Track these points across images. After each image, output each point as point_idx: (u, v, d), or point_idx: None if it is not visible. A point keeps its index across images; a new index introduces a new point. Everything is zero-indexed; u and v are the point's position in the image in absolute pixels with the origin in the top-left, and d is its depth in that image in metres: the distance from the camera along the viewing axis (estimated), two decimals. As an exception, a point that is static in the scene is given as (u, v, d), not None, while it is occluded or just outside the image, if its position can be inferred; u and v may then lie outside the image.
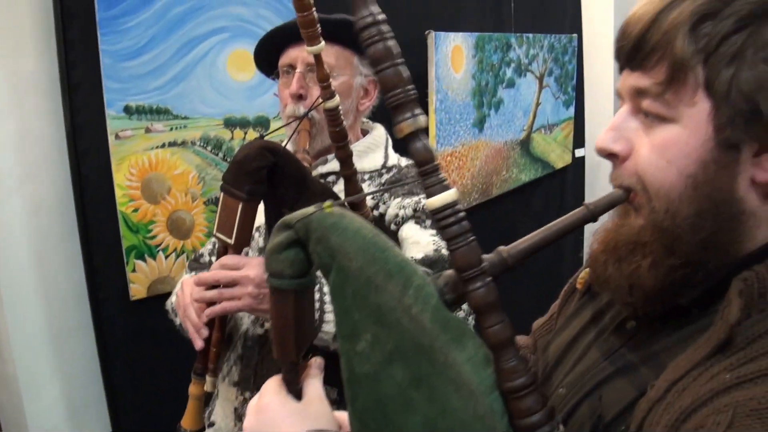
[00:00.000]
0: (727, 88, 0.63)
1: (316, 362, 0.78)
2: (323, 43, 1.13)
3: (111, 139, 1.75)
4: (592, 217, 0.72)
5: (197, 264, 1.51)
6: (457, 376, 0.62)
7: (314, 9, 1.10)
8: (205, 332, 1.25)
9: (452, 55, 2.54)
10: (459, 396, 0.61)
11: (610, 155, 0.73)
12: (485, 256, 0.66)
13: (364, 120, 1.58)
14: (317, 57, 1.16)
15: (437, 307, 0.64)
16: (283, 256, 0.71)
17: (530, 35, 3.20)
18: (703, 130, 0.65)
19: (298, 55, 1.42)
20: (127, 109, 1.77)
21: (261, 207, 1.28)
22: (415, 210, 1.36)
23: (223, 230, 1.23)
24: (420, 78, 2.43)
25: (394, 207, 1.39)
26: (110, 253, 1.81)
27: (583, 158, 4.13)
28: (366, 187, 1.42)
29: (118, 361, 1.87)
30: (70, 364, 1.83)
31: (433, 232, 1.34)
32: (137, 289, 1.87)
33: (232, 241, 1.21)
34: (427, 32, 2.39)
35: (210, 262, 1.46)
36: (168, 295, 1.91)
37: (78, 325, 1.81)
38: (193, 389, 1.31)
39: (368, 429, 0.66)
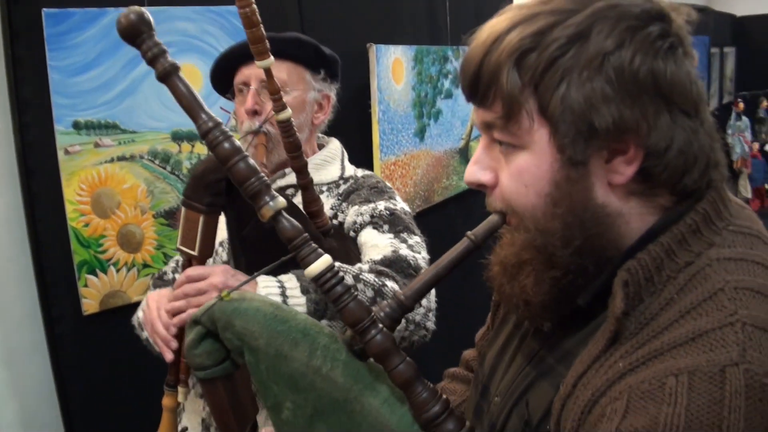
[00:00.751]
0: (560, 111, 0.66)
1: None
2: (272, 58, 1.19)
3: (60, 154, 1.75)
4: (476, 246, 0.78)
5: (161, 282, 1.54)
6: (375, 420, 0.69)
7: (261, 25, 1.16)
8: (174, 344, 1.27)
9: (393, 67, 2.62)
10: None
11: (479, 186, 0.77)
12: (384, 303, 0.74)
13: (320, 135, 1.63)
14: (267, 71, 1.22)
15: (347, 362, 0.71)
16: (199, 350, 0.77)
17: (465, 48, 3.31)
18: (548, 153, 0.69)
19: (251, 72, 1.45)
20: (76, 125, 1.78)
21: (223, 222, 1.32)
22: (372, 216, 1.43)
23: (186, 243, 1.26)
24: (363, 89, 2.50)
25: (352, 215, 1.45)
26: (62, 269, 1.80)
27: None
28: (324, 199, 1.47)
29: (73, 377, 1.85)
30: (25, 382, 1.80)
31: (391, 235, 1.40)
32: (89, 304, 1.87)
33: (195, 253, 1.24)
34: (368, 45, 2.46)
35: (173, 280, 1.48)
36: (120, 309, 1.93)
37: (32, 342, 1.79)
38: (166, 401, 1.33)
39: None
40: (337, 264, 1.22)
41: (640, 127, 0.66)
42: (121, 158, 1.89)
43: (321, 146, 1.61)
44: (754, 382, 0.56)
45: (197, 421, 1.46)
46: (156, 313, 1.30)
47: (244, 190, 0.69)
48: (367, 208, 1.43)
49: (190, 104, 0.71)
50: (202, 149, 2.10)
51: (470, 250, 0.78)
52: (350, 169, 1.58)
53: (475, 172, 0.77)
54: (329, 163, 1.56)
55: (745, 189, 7.10)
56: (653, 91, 0.66)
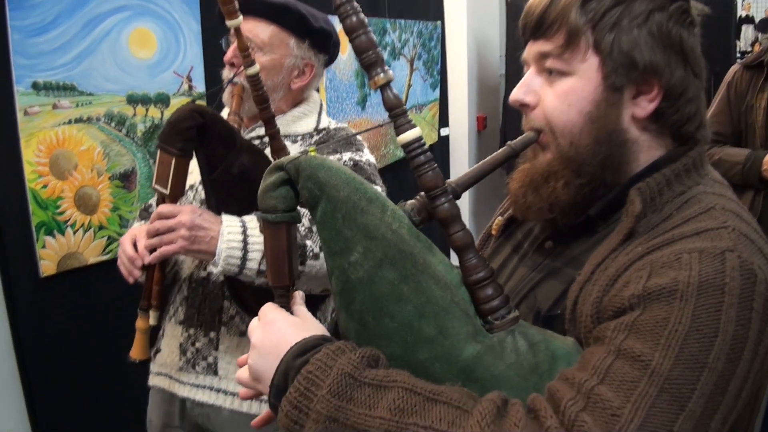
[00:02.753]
0: (611, 47, 0.85)
1: (299, 293, 0.92)
2: (240, 17, 1.30)
3: (20, 115, 1.75)
4: (514, 153, 0.94)
5: (146, 213, 1.65)
6: (435, 273, 0.79)
7: None
8: (137, 273, 1.40)
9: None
10: (438, 287, 0.79)
11: (522, 105, 0.93)
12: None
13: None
14: (237, 29, 1.32)
15: (410, 225, 0.82)
16: (276, 193, 0.84)
17: (402, 21, 3.42)
18: (594, 79, 0.87)
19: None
20: (35, 86, 1.77)
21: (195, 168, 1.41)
22: (354, 161, 1.54)
23: (160, 182, 1.39)
24: (310, 58, 2.56)
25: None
26: (19, 231, 1.80)
27: (447, 137, 4.43)
28: (298, 147, 1.58)
29: (31, 337, 1.86)
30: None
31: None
32: (47, 266, 1.87)
33: (167, 192, 1.37)
34: (316, 15, 2.51)
35: None
36: (77, 270, 1.95)
37: (-11, 303, 1.80)
38: (139, 323, 1.47)
39: (367, 325, 0.80)
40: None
41: (665, 72, 0.85)
42: (79, 120, 1.90)
43: (303, 99, 1.69)
44: (745, 265, 0.74)
45: (176, 346, 1.57)
46: (128, 242, 1.42)
47: (361, 59, 0.79)
48: (333, 158, 1.51)
49: None
50: (155, 113, 2.12)
51: (509, 155, 0.94)
52: (325, 122, 1.67)
53: (522, 93, 0.92)
54: (306, 116, 1.64)
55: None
56: (678, 49, 0.86)
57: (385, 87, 0.79)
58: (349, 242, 0.80)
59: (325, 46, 1.62)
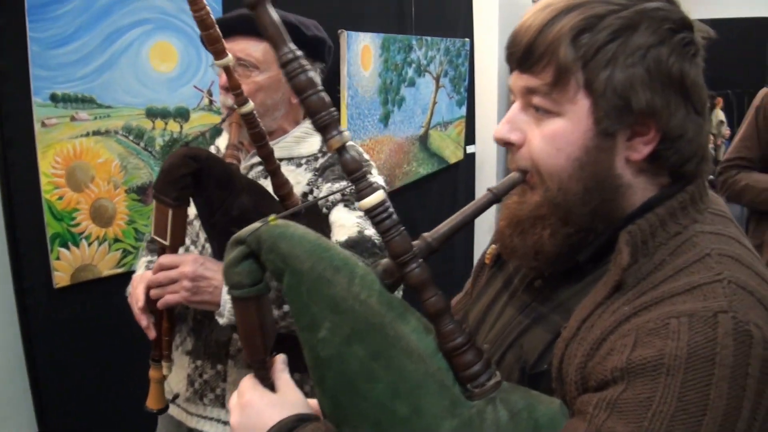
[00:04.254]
0: (604, 87, 0.76)
1: (280, 358, 0.89)
2: (230, 56, 1.25)
3: (37, 126, 1.75)
4: (497, 198, 0.86)
5: (153, 245, 1.59)
6: (407, 345, 0.75)
7: (216, 26, 1.21)
8: (144, 323, 1.37)
9: (362, 54, 2.68)
10: (411, 361, 0.75)
11: (507, 144, 0.85)
12: (414, 243, 0.80)
13: None
14: (227, 69, 1.27)
15: (381, 291, 0.78)
16: (240, 268, 0.81)
17: (429, 38, 3.40)
18: (585, 122, 0.78)
19: (230, 47, 1.46)
20: (54, 97, 1.78)
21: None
22: (343, 194, 1.46)
23: (158, 233, 1.33)
24: (333, 75, 2.55)
25: (325, 191, 1.49)
26: (34, 241, 1.81)
27: (473, 154, 4.39)
28: (303, 172, 1.53)
29: (43, 349, 1.86)
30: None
31: (361, 213, 1.43)
32: (61, 277, 1.87)
33: (167, 243, 1.32)
34: (339, 31, 2.51)
35: None
36: (91, 282, 1.94)
37: (2, 313, 1.79)
38: (152, 374, 1.42)
39: (340, 404, 0.78)
40: None
41: (663, 114, 0.77)
42: (96, 133, 1.90)
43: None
44: (739, 328, 0.67)
45: (183, 376, 1.53)
46: (141, 292, 1.37)
47: (314, 121, 0.73)
48: (339, 186, 1.47)
49: (275, 33, 0.73)
50: (174, 126, 2.12)
51: (491, 201, 0.86)
52: None
53: (506, 131, 0.85)
54: (309, 135, 1.58)
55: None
56: (679, 86, 0.77)
57: (341, 150, 0.74)
58: (316, 318, 0.77)
59: (320, 54, 1.57)
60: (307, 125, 1.59)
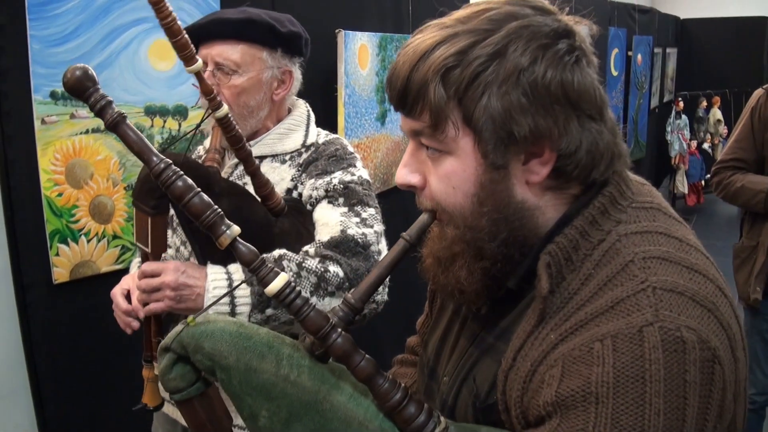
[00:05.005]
0: (483, 121, 0.74)
1: None
2: (200, 61, 1.24)
3: (37, 124, 1.77)
4: (411, 245, 0.86)
5: None
6: (345, 415, 0.77)
7: (184, 32, 1.21)
8: (135, 324, 1.42)
9: (359, 53, 2.70)
10: (353, 430, 0.76)
11: (410, 187, 0.84)
12: (336, 308, 0.83)
13: (294, 98, 1.66)
14: (198, 74, 1.26)
15: (311, 366, 0.79)
16: (173, 374, 0.83)
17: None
18: (472, 158, 0.77)
19: (207, 53, 1.48)
20: (54, 95, 1.80)
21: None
22: (326, 190, 1.46)
23: (140, 240, 1.35)
24: (330, 73, 2.57)
25: (308, 188, 1.48)
26: (34, 238, 1.83)
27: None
28: (287, 168, 1.53)
29: (42, 344, 1.88)
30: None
31: (345, 209, 1.44)
32: (60, 273, 1.89)
33: (149, 250, 1.33)
34: (337, 30, 2.53)
35: None
36: (90, 279, 1.96)
37: (2, 309, 1.81)
38: (146, 373, 1.45)
39: None
40: (282, 251, 1.33)
41: (553, 133, 0.74)
42: (96, 130, 1.92)
43: (288, 110, 1.64)
44: (668, 337, 0.66)
45: None
46: (119, 295, 1.43)
47: (200, 223, 0.74)
48: (322, 182, 1.47)
49: (140, 149, 0.76)
50: (173, 124, 2.14)
51: (407, 249, 0.86)
52: (313, 135, 1.60)
53: (405, 175, 0.83)
54: (293, 131, 1.58)
55: (682, 185, 7.42)
56: (564, 100, 0.74)
57: (234, 243, 0.75)
58: (253, 408, 0.79)
59: (298, 48, 1.56)
60: (289, 121, 1.59)
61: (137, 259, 1.61)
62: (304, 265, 1.30)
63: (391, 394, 0.77)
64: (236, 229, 0.75)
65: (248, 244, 0.76)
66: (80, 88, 0.76)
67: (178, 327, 0.81)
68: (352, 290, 0.84)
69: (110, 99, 0.77)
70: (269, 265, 0.75)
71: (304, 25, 1.59)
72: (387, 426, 0.77)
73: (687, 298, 0.70)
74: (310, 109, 1.66)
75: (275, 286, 0.75)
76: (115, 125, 0.75)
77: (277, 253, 1.33)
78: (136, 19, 1.97)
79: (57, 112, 1.81)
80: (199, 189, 0.75)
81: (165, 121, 2.12)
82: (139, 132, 0.76)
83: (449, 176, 0.79)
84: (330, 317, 0.78)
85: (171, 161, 0.75)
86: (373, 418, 0.77)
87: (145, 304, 1.34)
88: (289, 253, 1.33)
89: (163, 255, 1.37)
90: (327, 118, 2.60)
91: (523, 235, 0.79)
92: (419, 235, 0.86)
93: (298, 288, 0.76)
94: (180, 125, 2.18)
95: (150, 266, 1.32)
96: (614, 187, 0.80)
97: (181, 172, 0.75)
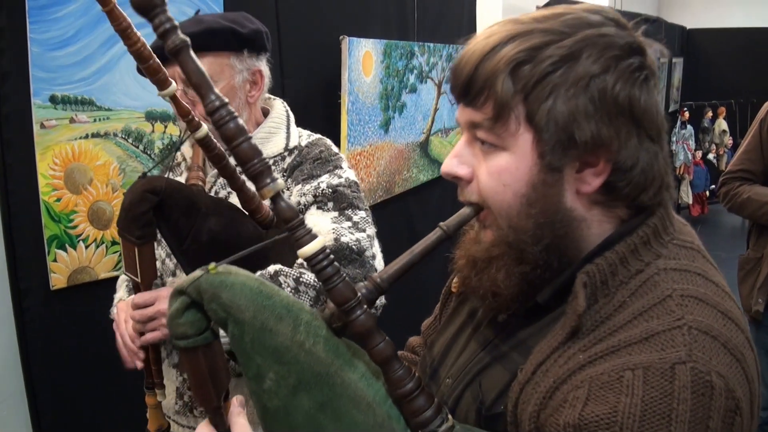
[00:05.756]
0: (546, 121, 0.73)
1: (238, 400, 0.86)
2: (174, 84, 1.19)
3: (36, 128, 1.76)
4: (447, 236, 0.83)
5: None
6: (354, 393, 0.73)
7: (154, 56, 1.16)
8: (142, 355, 1.37)
9: (363, 60, 2.68)
10: (359, 410, 0.73)
11: (455, 178, 0.82)
12: (361, 285, 0.79)
13: (267, 96, 1.62)
14: (173, 97, 1.20)
15: (327, 337, 0.76)
16: (183, 320, 0.78)
17: (431, 44, 3.40)
18: (529, 157, 0.75)
19: (174, 71, 1.41)
20: (53, 99, 1.78)
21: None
22: (315, 195, 1.43)
23: (129, 269, 1.32)
24: (334, 80, 2.55)
25: (296, 195, 1.45)
26: (32, 243, 1.81)
27: (474, 162, 4.38)
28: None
29: (39, 350, 1.86)
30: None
31: (335, 214, 1.41)
32: (58, 279, 1.87)
33: (139, 280, 1.30)
34: (341, 37, 2.51)
35: None
36: (87, 285, 1.94)
37: (-1, 314, 1.80)
38: (148, 400, 1.42)
39: None
40: (278, 267, 1.30)
41: (612, 145, 0.74)
42: (96, 135, 1.90)
43: (266, 111, 1.60)
44: (699, 379, 0.65)
45: (172, 389, 1.52)
46: (123, 327, 1.38)
47: (246, 170, 0.71)
48: (309, 188, 1.44)
49: (199, 82, 0.70)
50: (174, 130, 2.12)
51: (442, 239, 0.83)
52: (295, 137, 1.56)
53: (454, 165, 0.82)
54: (274, 134, 1.54)
55: (687, 195, 7.40)
56: (628, 114, 0.74)
57: (276, 198, 0.72)
58: (261, 368, 0.75)
59: (262, 45, 1.51)
60: (269, 125, 1.55)
61: (124, 276, 1.59)
62: (301, 280, 1.28)
63: (404, 382, 0.74)
64: (281, 183, 0.72)
65: (290, 201, 0.73)
66: (148, 6, 0.70)
67: (197, 272, 0.77)
68: (380, 270, 0.81)
69: (177, 24, 0.71)
70: (307, 227, 0.72)
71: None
72: (394, 414, 0.74)
73: (720, 344, 0.69)
74: (289, 109, 1.62)
75: (311, 248, 0.71)
76: (177, 51, 0.70)
77: (272, 269, 1.31)
78: (137, 24, 1.94)
79: (56, 117, 1.80)
80: (250, 135, 0.72)
81: (166, 127, 2.11)
82: (200, 65, 0.71)
83: (501, 172, 0.77)
84: (359, 293, 0.76)
85: (227, 100, 0.71)
86: (382, 402, 0.74)
87: (141, 333, 1.32)
88: (285, 269, 1.31)
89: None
90: (330, 126, 2.58)
91: (565, 245, 0.79)
92: (458, 227, 0.83)
93: (332, 257, 0.73)
94: (181, 131, 2.15)
95: (142, 297, 1.30)
96: (659, 219, 0.80)
97: (236, 114, 0.71)
